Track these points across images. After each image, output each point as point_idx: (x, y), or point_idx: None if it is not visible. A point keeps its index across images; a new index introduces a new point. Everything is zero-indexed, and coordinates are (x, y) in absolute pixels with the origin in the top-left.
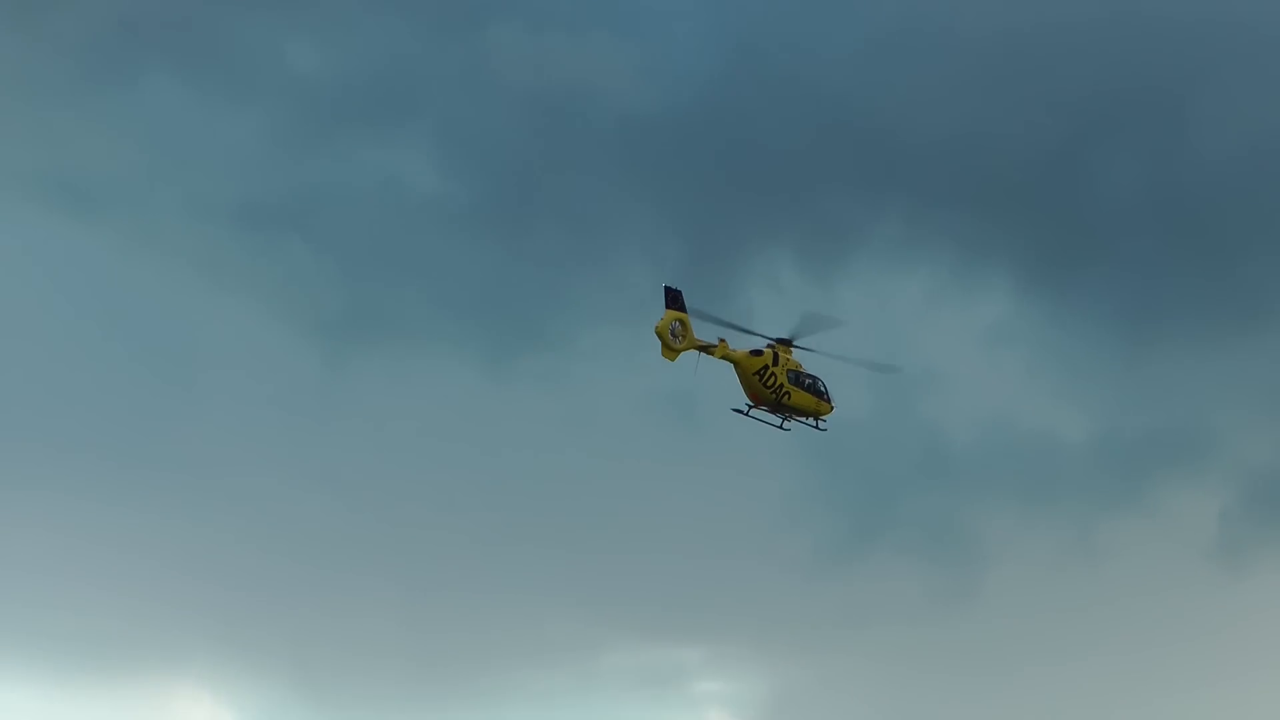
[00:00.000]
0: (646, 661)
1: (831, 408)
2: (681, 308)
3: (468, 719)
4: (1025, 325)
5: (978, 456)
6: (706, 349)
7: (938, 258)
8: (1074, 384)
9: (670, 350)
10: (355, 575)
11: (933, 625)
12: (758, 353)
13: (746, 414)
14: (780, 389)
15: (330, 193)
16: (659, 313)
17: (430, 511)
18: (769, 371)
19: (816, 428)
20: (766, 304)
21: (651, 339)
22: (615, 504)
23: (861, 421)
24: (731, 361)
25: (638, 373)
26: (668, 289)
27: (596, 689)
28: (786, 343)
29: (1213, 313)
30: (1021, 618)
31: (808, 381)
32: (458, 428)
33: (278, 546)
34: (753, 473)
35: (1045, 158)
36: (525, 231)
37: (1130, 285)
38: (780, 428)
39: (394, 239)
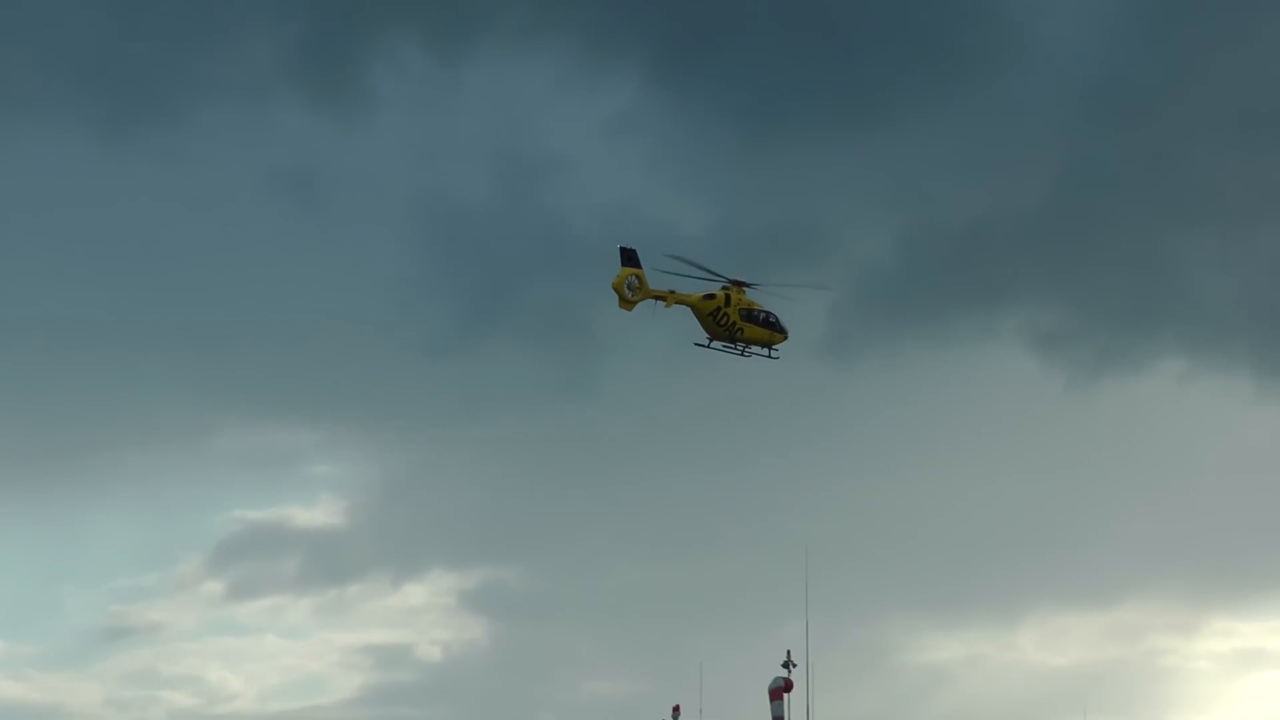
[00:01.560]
0: (259, 444)
1: (785, 337)
2: (636, 264)
3: (74, 497)
4: (649, 116)
5: (598, 245)
6: (660, 297)
7: (565, 46)
8: (695, 176)
9: (627, 303)
10: None
11: (548, 412)
12: (710, 296)
13: (708, 347)
14: (733, 326)
15: None
16: (285, 89)
17: (38, 284)
18: (721, 312)
19: (769, 356)
20: (391, 86)
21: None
22: (231, 283)
23: (481, 207)
24: (688, 305)
25: (257, 149)
26: (622, 249)
27: (208, 470)
28: (741, 284)
29: (831, 110)
30: (635, 404)
31: (761, 316)
32: (70, 198)
33: None
34: (373, 256)
35: None
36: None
37: (752, 80)
38: (742, 355)
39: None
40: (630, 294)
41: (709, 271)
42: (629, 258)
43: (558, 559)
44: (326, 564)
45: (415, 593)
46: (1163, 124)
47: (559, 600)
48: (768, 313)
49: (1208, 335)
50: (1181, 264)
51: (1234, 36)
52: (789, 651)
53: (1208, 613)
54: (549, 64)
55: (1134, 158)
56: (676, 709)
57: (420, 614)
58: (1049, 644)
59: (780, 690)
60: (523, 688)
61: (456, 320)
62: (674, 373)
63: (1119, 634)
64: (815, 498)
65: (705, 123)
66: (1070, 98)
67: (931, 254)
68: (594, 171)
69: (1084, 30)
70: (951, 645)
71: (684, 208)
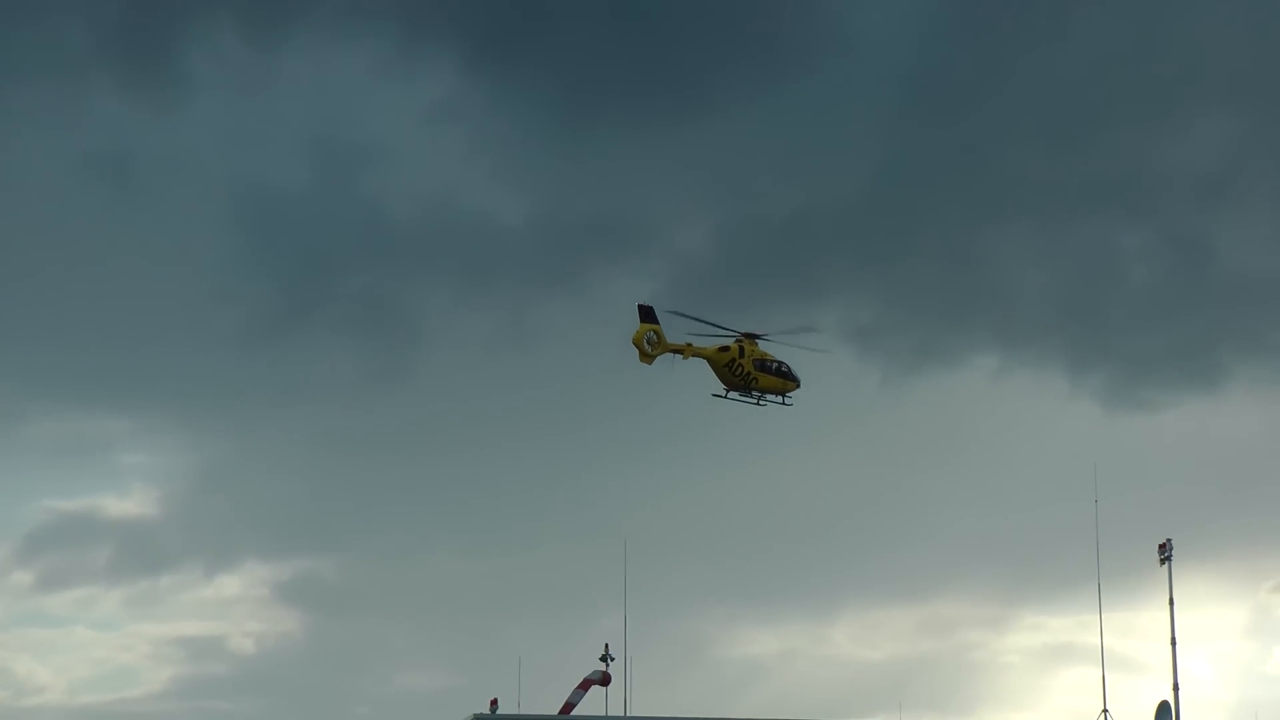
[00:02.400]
0: (69, 432)
1: (798, 385)
2: (654, 320)
3: None
4: (468, 104)
5: (416, 235)
6: (678, 351)
7: (383, 32)
8: (514, 165)
9: (647, 357)
10: None
11: (366, 403)
12: (725, 349)
13: (725, 397)
14: (748, 376)
15: None
16: (99, 72)
17: None
18: (736, 363)
19: (783, 403)
20: (207, 71)
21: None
22: (42, 268)
23: (298, 195)
24: (704, 358)
25: (69, 132)
26: (640, 306)
27: (16, 459)
28: (754, 336)
29: (651, 100)
30: (455, 397)
31: (774, 366)
32: None
33: None
34: (188, 242)
35: None
36: None
37: (572, 69)
38: (758, 404)
39: None
40: (649, 348)
41: (719, 326)
42: (646, 314)
43: (374, 551)
44: (138, 554)
45: (228, 584)
46: (979, 119)
47: (375, 592)
48: (779, 362)
49: (1022, 331)
50: (997, 259)
51: (1049, 33)
52: (607, 645)
53: (1018, 607)
54: (367, 51)
55: (950, 152)
56: (494, 702)
57: (233, 606)
58: (863, 638)
59: (593, 682)
60: (337, 681)
61: (272, 309)
62: (493, 365)
63: (931, 628)
64: (634, 491)
65: (525, 112)
66: (888, 92)
67: (750, 247)
68: (412, 160)
69: (902, 24)
70: (767, 639)
71: (503, 197)
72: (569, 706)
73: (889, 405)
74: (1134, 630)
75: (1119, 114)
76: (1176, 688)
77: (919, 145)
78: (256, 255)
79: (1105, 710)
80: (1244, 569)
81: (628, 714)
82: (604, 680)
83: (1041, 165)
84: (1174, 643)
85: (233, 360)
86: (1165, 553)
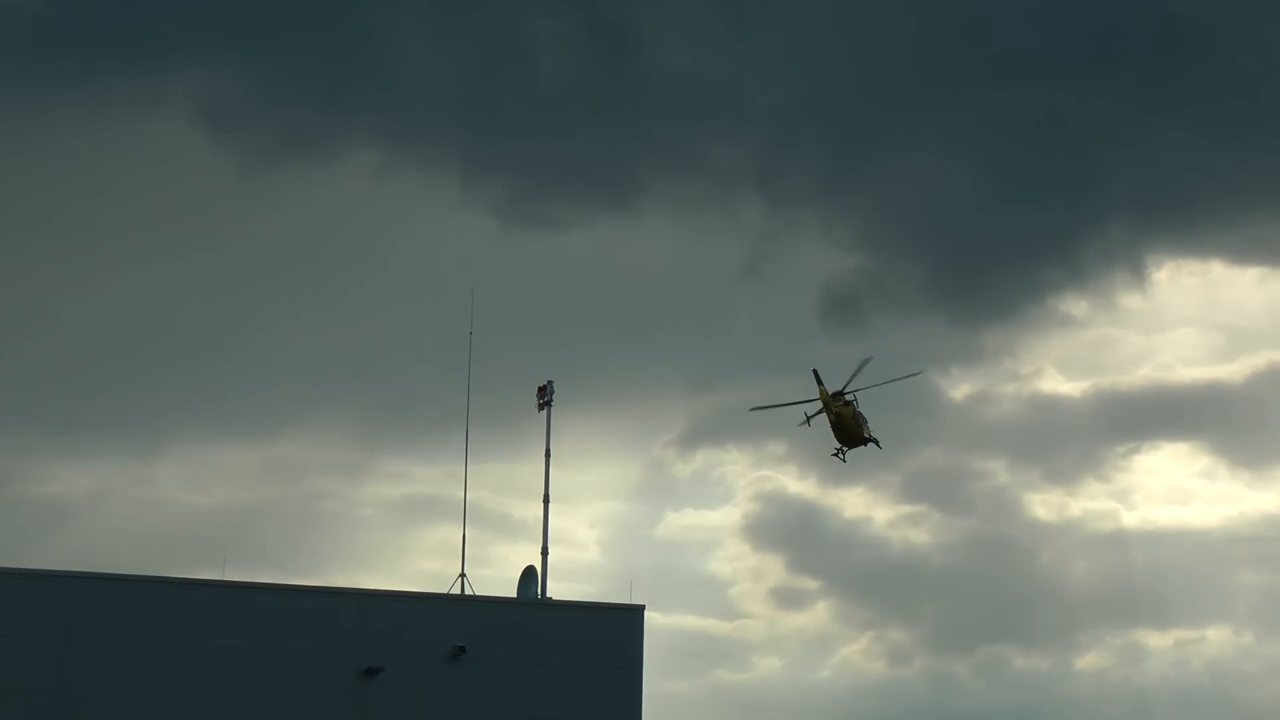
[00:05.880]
0: None
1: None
2: (821, 382)
3: None
4: None
5: None
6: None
7: None
8: None
9: (830, 411)
10: None
11: None
12: (847, 404)
13: (837, 455)
14: (858, 426)
15: None
16: None
17: None
18: (855, 414)
19: (878, 445)
20: None
21: None
22: None
23: None
24: (836, 413)
25: None
26: (815, 370)
27: None
28: (840, 394)
29: None
30: None
31: (863, 417)
32: None
33: None
34: None
35: None
36: None
37: None
38: (842, 460)
39: None
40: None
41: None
42: (819, 378)
43: None
44: None
45: None
46: None
47: None
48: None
49: (411, 126)
50: (386, 40)
51: None
52: None
53: (379, 452)
54: None
55: None
56: None
57: None
58: (193, 479)
59: None
60: None
61: None
62: None
63: (275, 472)
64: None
65: None
66: None
67: (84, 3)
68: None
69: None
70: (75, 476)
71: None
72: None
73: (247, 201)
74: (510, 485)
75: None
76: (545, 551)
77: None
78: None
79: (463, 575)
80: (639, 420)
81: None
82: None
83: None
84: (546, 500)
85: None
86: (545, 397)
